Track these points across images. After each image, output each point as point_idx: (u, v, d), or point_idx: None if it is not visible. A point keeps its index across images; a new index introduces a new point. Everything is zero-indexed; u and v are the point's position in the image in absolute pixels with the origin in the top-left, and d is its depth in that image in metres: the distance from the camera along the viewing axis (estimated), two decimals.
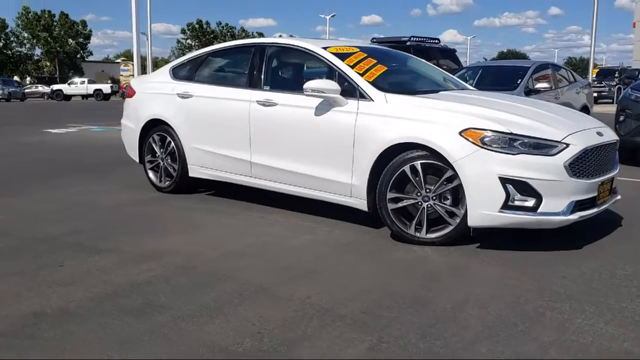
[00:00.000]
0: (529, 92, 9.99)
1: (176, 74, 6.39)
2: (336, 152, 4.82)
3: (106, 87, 50.31)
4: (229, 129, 5.64)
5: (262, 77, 5.52)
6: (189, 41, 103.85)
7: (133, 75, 75.83)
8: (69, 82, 53.15)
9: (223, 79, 6.27)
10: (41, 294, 3.45)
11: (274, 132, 5.28)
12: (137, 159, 6.69)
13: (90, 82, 51.68)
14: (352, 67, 4.98)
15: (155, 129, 6.37)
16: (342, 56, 5.13)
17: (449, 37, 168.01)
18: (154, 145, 6.40)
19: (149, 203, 5.92)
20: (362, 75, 4.90)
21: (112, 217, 5.35)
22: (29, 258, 4.11)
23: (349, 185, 4.78)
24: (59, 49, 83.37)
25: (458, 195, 4.31)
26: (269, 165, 5.34)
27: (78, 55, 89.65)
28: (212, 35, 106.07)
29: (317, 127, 4.94)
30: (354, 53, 5.23)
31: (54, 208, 5.68)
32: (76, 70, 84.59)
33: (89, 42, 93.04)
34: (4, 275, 3.77)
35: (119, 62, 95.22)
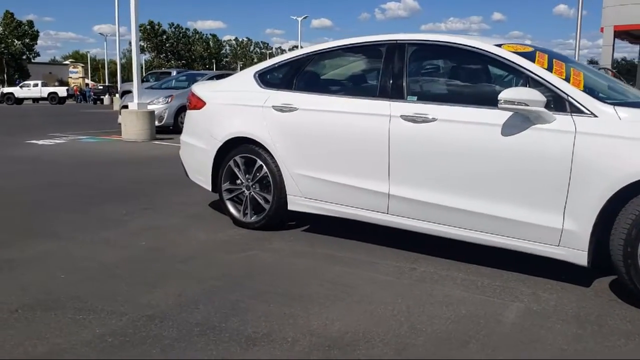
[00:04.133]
0: None
1: (266, 80, 5.04)
2: (537, 184, 3.61)
3: (62, 91, 47.63)
4: (355, 152, 4.36)
5: (405, 84, 4.24)
6: (141, 43, 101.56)
7: (84, 77, 72.56)
8: (20, 84, 50.16)
9: (340, 87, 4.95)
10: None
11: (430, 156, 4.02)
12: (208, 187, 5.31)
13: (43, 84, 48.86)
14: (549, 71, 3.77)
15: (239, 149, 5.02)
16: (526, 56, 3.91)
17: None
18: (236, 170, 5.05)
19: (246, 246, 4.56)
20: (567, 82, 3.69)
21: (218, 272, 3.97)
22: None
23: (558, 230, 3.56)
24: (3, 50, 79.85)
25: None
26: (419, 200, 4.08)
27: (24, 57, 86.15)
28: (164, 37, 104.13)
29: (506, 151, 3.71)
30: (533, 53, 4.02)
31: (124, 256, 4.26)
32: (22, 72, 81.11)
33: (36, 44, 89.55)
34: None
35: (67, 64, 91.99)
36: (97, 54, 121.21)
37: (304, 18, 47.19)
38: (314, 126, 4.56)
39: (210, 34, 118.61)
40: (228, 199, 5.16)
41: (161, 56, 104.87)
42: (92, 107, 37.88)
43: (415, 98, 4.18)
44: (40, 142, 12.42)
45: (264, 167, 4.86)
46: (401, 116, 4.10)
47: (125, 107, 13.96)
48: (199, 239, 4.80)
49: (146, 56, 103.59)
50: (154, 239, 4.75)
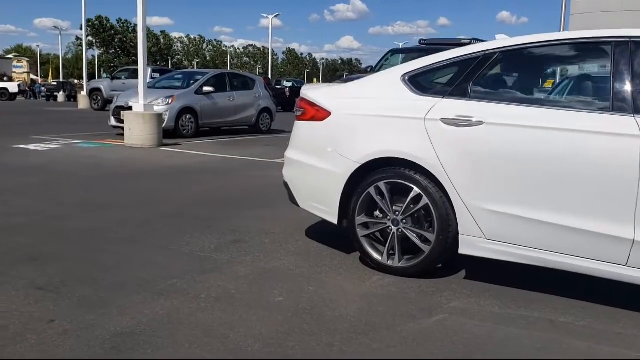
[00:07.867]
0: None
1: (422, 85, 3.93)
2: None
3: (13, 86, 44.77)
4: (578, 183, 3.30)
5: None
6: (89, 38, 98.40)
7: (29, 73, 69.54)
8: None
9: (544, 96, 3.85)
10: None
11: None
12: (332, 219, 4.17)
13: None
14: None
15: (385, 173, 3.91)
16: None
17: (346, 43, 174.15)
18: (378, 199, 3.94)
19: (421, 306, 3.45)
20: None
21: (429, 355, 2.85)
22: None
23: None
24: None
25: None
26: None
27: None
28: (112, 32, 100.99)
29: None
30: None
31: (278, 326, 3.08)
32: None
33: None
34: None
35: (10, 58, 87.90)
36: (42, 48, 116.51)
37: (275, 16, 45.81)
38: (512, 146, 3.49)
39: (160, 31, 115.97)
40: (364, 236, 4.03)
41: (110, 52, 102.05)
42: (51, 105, 35.59)
43: None
44: (31, 147, 10.85)
45: (424, 197, 3.76)
46: None
47: (121, 108, 12.52)
48: (347, 292, 3.66)
49: (96, 52, 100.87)
50: (288, 293, 3.58)
